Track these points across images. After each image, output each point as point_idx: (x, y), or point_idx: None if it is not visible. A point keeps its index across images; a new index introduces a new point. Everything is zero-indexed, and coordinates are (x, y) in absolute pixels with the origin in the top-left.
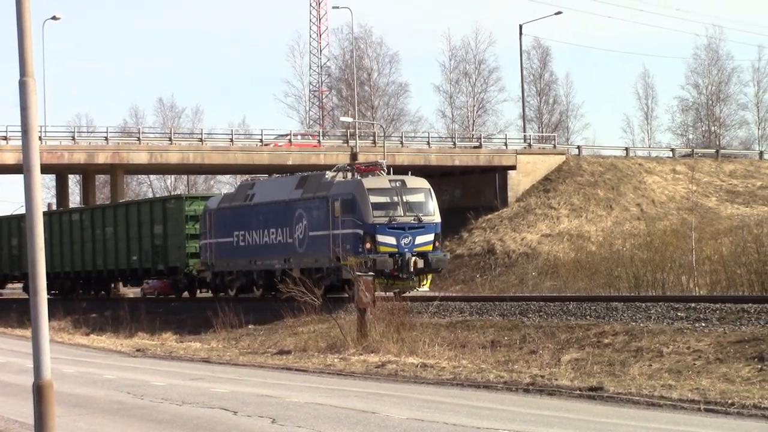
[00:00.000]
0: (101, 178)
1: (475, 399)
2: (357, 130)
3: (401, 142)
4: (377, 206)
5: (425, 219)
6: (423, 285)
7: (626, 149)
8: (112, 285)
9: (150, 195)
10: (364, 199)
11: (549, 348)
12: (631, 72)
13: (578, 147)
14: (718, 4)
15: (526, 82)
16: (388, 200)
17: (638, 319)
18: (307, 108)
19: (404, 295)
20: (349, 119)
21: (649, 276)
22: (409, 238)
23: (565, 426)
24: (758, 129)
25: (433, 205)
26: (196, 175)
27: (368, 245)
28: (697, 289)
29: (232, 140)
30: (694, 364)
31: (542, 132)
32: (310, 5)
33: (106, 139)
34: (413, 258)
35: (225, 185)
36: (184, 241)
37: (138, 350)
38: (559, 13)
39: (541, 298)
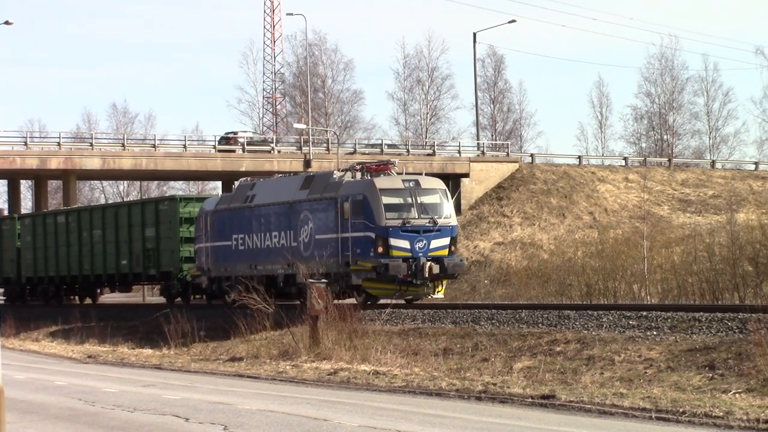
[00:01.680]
0: (54, 184)
1: (427, 407)
2: (311, 137)
3: (355, 149)
4: (390, 208)
5: (441, 221)
6: (438, 292)
7: (579, 157)
8: (98, 291)
9: (102, 201)
10: (376, 200)
11: (501, 356)
12: (585, 81)
13: (531, 155)
14: (672, 14)
15: (479, 90)
16: (402, 201)
17: (590, 327)
18: (261, 114)
19: (416, 302)
20: (303, 126)
21: (600, 284)
22: (424, 241)
23: None
24: (710, 138)
25: (448, 207)
26: (149, 181)
27: (380, 249)
28: (648, 297)
29: (185, 146)
30: (646, 372)
31: (495, 140)
32: (264, 12)
33: (59, 144)
34: (428, 263)
35: (178, 191)
36: (178, 244)
37: (89, 357)
38: (512, 21)
39: (493, 305)
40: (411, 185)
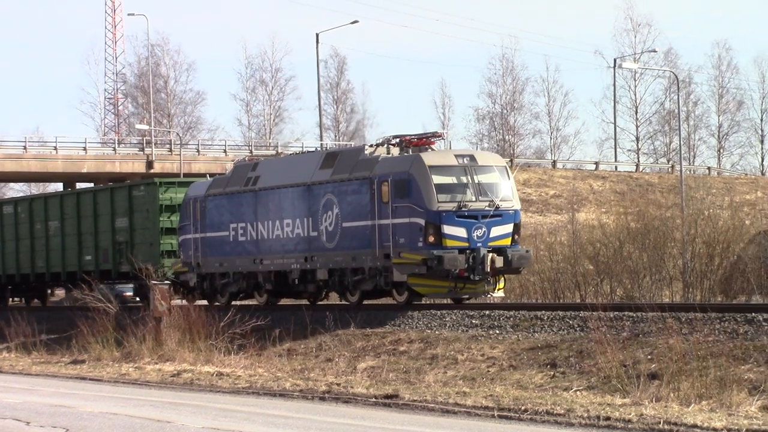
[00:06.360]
0: None
1: (271, 407)
2: (153, 138)
3: (198, 150)
4: (442, 189)
5: (503, 205)
6: (498, 289)
7: None
8: (48, 291)
9: None
10: (426, 180)
11: (345, 356)
12: (427, 81)
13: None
14: (513, 16)
15: (323, 91)
16: (455, 181)
17: (433, 326)
18: (103, 115)
19: (467, 301)
20: (145, 127)
21: None
22: (483, 229)
23: None
24: (551, 138)
25: (511, 188)
26: None
27: (431, 238)
28: (491, 296)
29: (25, 147)
30: (489, 371)
31: (339, 140)
32: (106, 12)
33: None
34: (489, 254)
35: (18, 194)
36: (158, 236)
37: None
38: (355, 22)
39: (338, 306)
40: (466, 161)
